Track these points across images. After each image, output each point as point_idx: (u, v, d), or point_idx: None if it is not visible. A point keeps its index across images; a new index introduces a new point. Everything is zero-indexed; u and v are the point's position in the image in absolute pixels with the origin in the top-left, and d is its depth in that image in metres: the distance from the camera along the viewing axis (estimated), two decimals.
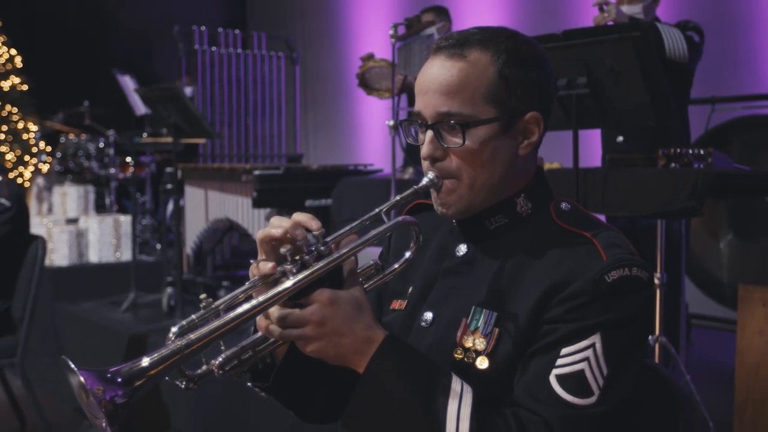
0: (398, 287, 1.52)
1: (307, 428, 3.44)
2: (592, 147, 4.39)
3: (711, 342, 4.91)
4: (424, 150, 1.38)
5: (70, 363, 1.15)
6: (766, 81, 5.31)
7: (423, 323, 1.43)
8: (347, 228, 1.33)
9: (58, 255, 6.39)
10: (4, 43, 8.43)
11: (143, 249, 7.04)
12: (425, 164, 1.40)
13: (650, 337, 3.25)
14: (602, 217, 3.34)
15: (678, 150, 3.24)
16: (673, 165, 3.23)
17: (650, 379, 1.45)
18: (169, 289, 5.34)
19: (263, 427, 3.67)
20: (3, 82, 8.35)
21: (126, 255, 6.53)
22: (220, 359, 1.28)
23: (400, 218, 1.34)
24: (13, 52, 8.46)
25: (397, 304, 1.51)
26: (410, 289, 1.50)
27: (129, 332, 4.89)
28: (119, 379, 1.15)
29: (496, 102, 1.34)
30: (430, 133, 1.37)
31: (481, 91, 1.34)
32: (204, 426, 4.03)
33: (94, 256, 6.56)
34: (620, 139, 4.04)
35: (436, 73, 1.36)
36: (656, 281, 3.29)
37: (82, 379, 1.13)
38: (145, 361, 1.18)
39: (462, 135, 1.33)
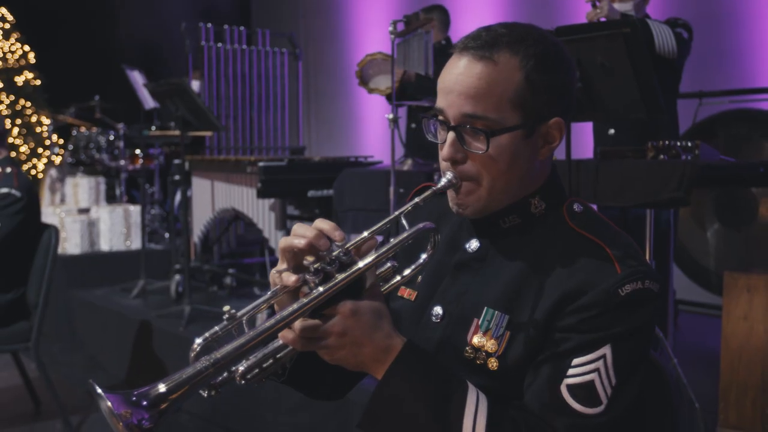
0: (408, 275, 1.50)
1: (313, 405, 3.47)
2: (584, 139, 4.38)
3: (697, 327, 4.92)
4: (445, 152, 1.32)
5: (98, 388, 1.11)
6: (751, 76, 5.31)
7: (434, 318, 1.40)
8: (368, 233, 1.28)
9: (71, 243, 6.40)
10: (17, 40, 8.43)
11: (152, 238, 7.05)
12: (444, 164, 1.34)
13: None
14: (594, 207, 3.34)
15: (667, 142, 3.24)
16: (661, 157, 3.23)
17: None
18: (177, 276, 5.35)
19: (270, 407, 3.68)
20: (17, 77, 8.34)
21: (136, 243, 6.55)
22: (242, 368, 1.25)
23: (420, 225, 1.28)
24: (27, 48, 8.46)
25: (406, 293, 1.48)
26: (419, 279, 1.47)
27: (139, 318, 4.90)
28: (144, 402, 1.10)
29: (521, 107, 1.29)
30: (452, 135, 1.31)
31: (507, 96, 1.28)
32: (212, 406, 4.04)
33: (105, 245, 6.57)
34: (611, 131, 4.03)
35: (463, 73, 1.29)
36: None
37: (109, 404, 1.09)
38: (167, 386, 1.13)
39: (486, 141, 1.28)
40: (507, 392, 1.28)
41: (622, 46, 2.90)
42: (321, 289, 1.20)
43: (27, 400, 4.36)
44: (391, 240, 1.29)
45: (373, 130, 8.10)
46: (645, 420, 1.44)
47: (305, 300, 1.20)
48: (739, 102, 5.12)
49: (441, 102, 1.33)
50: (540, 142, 1.33)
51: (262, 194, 4.91)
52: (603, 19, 3.64)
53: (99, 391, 1.11)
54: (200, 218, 5.70)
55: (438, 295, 1.42)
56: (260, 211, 5.08)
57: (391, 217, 1.32)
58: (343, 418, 3.26)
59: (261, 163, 4.92)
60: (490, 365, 1.30)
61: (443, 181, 1.33)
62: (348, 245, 1.25)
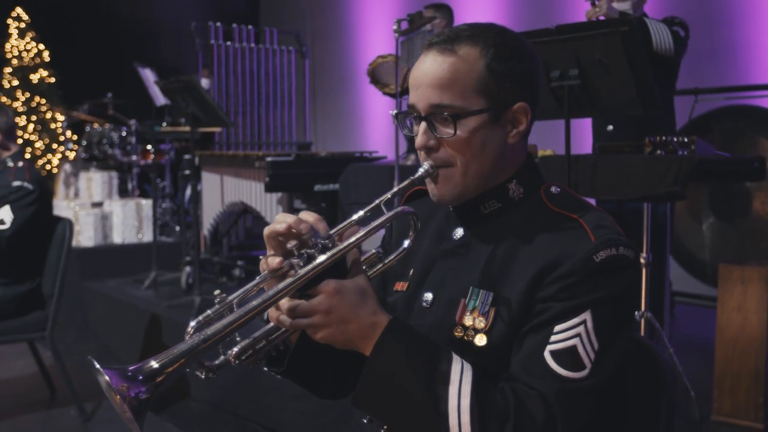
0: (400, 269, 1.51)
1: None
2: (583, 135, 4.37)
3: (693, 318, 4.91)
4: (419, 141, 1.36)
5: (96, 364, 1.15)
6: (745, 73, 5.29)
7: (424, 303, 1.42)
8: (348, 221, 1.32)
9: (84, 236, 6.41)
10: (33, 39, 8.43)
11: (163, 231, 7.06)
12: (421, 155, 1.38)
13: (636, 312, 3.25)
14: (592, 201, 3.33)
15: (663, 138, 3.23)
16: (658, 152, 3.21)
17: (636, 351, 1.45)
18: (188, 268, 5.36)
19: (277, 394, 3.69)
20: (32, 75, 8.35)
21: (147, 236, 6.56)
22: (236, 350, 1.28)
23: (399, 209, 1.33)
24: (42, 47, 8.46)
25: (400, 286, 1.50)
26: (411, 271, 1.49)
27: (150, 308, 4.91)
28: (140, 377, 1.14)
29: (485, 94, 1.33)
30: (423, 125, 1.36)
31: (471, 84, 1.32)
32: (222, 394, 4.05)
33: (117, 238, 6.58)
34: (610, 127, 4.02)
35: (429, 67, 1.34)
36: (642, 261, 3.28)
37: (107, 378, 1.13)
38: (159, 362, 1.16)
39: (453, 126, 1.32)
40: (496, 368, 1.29)
41: (620, 44, 2.89)
42: (305, 269, 1.23)
43: (43, 387, 4.37)
44: (372, 223, 1.31)
45: (377, 126, 8.10)
46: (641, 407, 1.44)
47: (290, 280, 1.23)
48: (734, 98, 5.10)
49: (412, 97, 1.38)
50: (508, 126, 1.37)
51: (269, 188, 4.92)
52: (602, 18, 3.62)
53: (97, 366, 1.14)
54: (210, 212, 5.70)
55: (428, 283, 1.44)
56: (268, 205, 5.08)
57: (372, 205, 1.35)
58: (347, 405, 3.27)
59: (269, 158, 4.92)
60: (478, 341, 1.32)
61: (420, 170, 1.37)
62: (331, 232, 1.28)
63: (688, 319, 4.86)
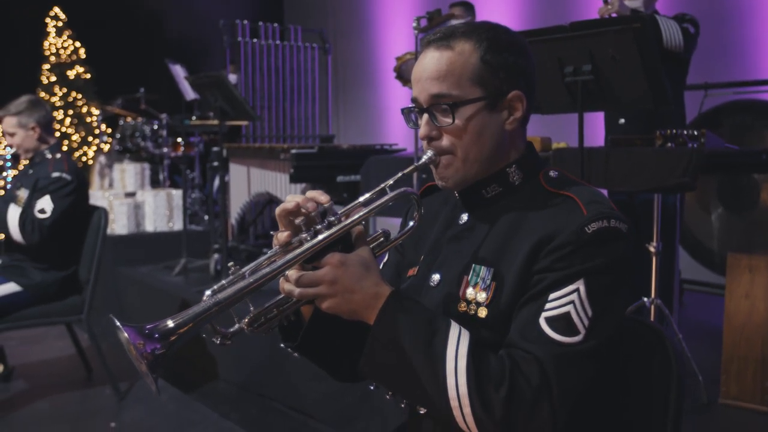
0: (412, 258, 1.55)
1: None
2: (596, 128, 4.34)
3: (701, 305, 4.88)
4: (421, 131, 1.41)
5: (116, 321, 1.20)
6: (754, 68, 5.23)
7: (431, 283, 1.45)
8: (355, 202, 1.35)
9: (118, 225, 6.46)
10: (69, 37, 8.49)
11: (193, 219, 7.10)
12: (424, 144, 1.42)
13: (646, 299, 3.23)
14: (604, 192, 3.31)
15: (674, 131, 3.20)
16: (669, 145, 3.19)
17: (647, 336, 1.44)
18: (216, 255, 5.38)
19: (300, 375, 3.71)
20: (69, 71, 8.42)
21: (178, 225, 6.60)
22: (249, 318, 1.33)
23: (401, 189, 1.36)
24: (78, 44, 8.52)
25: (412, 271, 1.53)
26: (422, 258, 1.52)
27: (180, 294, 4.94)
28: (156, 335, 1.19)
29: (481, 84, 1.37)
30: (425, 116, 1.40)
31: (467, 75, 1.36)
32: (246, 377, 4.08)
33: (149, 226, 6.63)
34: (622, 121, 3.99)
35: (428, 63, 1.39)
36: (652, 250, 3.27)
37: (125, 334, 1.18)
38: (179, 319, 1.21)
39: (452, 115, 1.36)
40: (498, 339, 1.30)
41: (632, 41, 2.86)
42: (312, 242, 1.27)
43: (80, 368, 4.43)
44: (375, 202, 1.35)
45: (397, 119, 8.08)
46: (652, 391, 1.43)
47: (298, 251, 1.27)
48: (743, 93, 5.05)
49: (414, 92, 1.42)
50: (505, 114, 1.40)
51: (294, 179, 4.93)
52: (614, 15, 3.59)
53: (117, 323, 1.19)
54: (237, 201, 5.73)
55: (436, 266, 1.47)
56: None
57: (378, 188, 1.38)
58: (367, 387, 3.28)
59: (293, 151, 4.93)
60: (480, 314, 1.34)
61: (424, 158, 1.42)
62: (339, 213, 1.32)
63: (696, 306, 4.82)
